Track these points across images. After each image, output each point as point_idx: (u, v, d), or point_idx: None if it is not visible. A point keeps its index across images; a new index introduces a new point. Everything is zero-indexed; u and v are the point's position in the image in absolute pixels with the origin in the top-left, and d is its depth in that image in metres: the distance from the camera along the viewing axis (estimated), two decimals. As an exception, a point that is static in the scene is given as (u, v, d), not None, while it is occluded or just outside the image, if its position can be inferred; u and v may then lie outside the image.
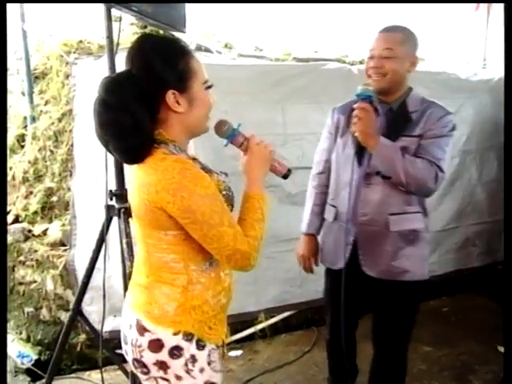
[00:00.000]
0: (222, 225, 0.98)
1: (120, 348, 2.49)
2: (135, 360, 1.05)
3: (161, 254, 1.04)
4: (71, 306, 2.02)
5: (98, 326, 2.03)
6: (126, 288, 1.76)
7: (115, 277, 2.39)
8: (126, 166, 1.89)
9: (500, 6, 4.02)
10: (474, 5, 4.01)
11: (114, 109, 0.96)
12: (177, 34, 2.71)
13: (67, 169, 2.64)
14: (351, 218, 1.63)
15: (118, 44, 1.73)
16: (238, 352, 2.48)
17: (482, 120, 3.34)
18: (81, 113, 2.58)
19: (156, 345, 1.01)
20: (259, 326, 2.65)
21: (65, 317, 2.39)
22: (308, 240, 1.83)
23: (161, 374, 1.02)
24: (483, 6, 4.00)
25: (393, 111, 1.61)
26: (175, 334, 1.01)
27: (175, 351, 1.01)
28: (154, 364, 1.02)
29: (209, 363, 1.05)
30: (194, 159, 1.05)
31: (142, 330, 1.02)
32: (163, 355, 1.01)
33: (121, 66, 1.54)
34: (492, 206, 3.39)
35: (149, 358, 1.02)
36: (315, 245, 1.83)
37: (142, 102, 0.97)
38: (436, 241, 3.19)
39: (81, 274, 2.47)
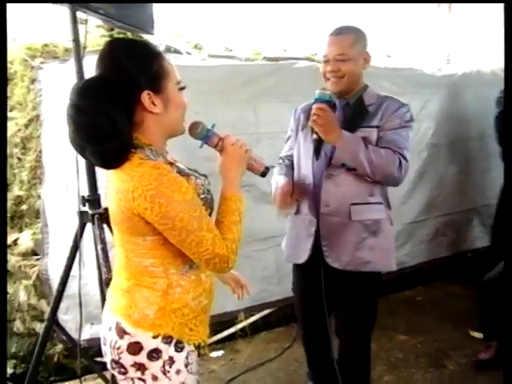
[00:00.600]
0: (200, 230, 0.98)
1: (99, 356, 2.45)
2: (113, 361, 1.05)
3: (140, 258, 1.04)
4: (46, 316, 1.97)
5: (74, 335, 2.00)
6: (103, 294, 1.75)
7: (91, 284, 2.35)
8: (98, 171, 1.87)
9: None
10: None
11: (88, 112, 0.95)
12: (145, 36, 2.69)
13: (36, 176, 2.57)
14: (313, 210, 1.66)
15: (84, 47, 1.70)
16: (220, 352, 2.49)
17: (448, 114, 3.46)
18: (48, 118, 2.52)
19: (135, 347, 1.01)
20: (239, 326, 2.66)
21: (40, 328, 2.33)
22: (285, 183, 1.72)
23: (138, 374, 1.03)
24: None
25: (350, 105, 1.68)
26: (155, 337, 1.02)
27: (154, 354, 1.01)
28: (132, 365, 1.02)
29: (186, 365, 1.06)
30: (171, 164, 1.05)
31: (122, 332, 1.03)
32: (142, 357, 1.01)
33: (88, 69, 1.52)
34: (459, 197, 3.52)
35: (127, 359, 1.02)
36: (290, 185, 1.72)
37: (117, 104, 0.97)
38: (408, 233, 3.29)
39: (55, 283, 2.41)
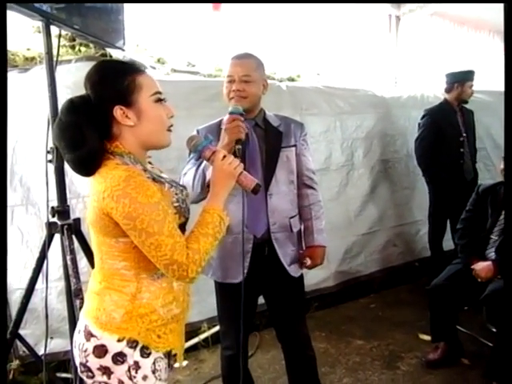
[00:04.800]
0: (160, 234, 1.00)
1: (60, 371, 2.39)
2: (81, 364, 1.07)
3: (113, 260, 1.07)
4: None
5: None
6: (71, 305, 1.74)
7: (52, 296, 2.31)
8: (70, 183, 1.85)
9: (406, 31, 4.58)
10: (387, 28, 4.51)
11: (68, 127, 1.05)
12: (111, 50, 2.72)
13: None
14: (254, 227, 1.68)
15: (57, 60, 1.72)
16: (184, 362, 2.50)
17: (397, 132, 3.74)
18: (10, 128, 2.46)
19: (100, 350, 1.03)
20: (202, 336, 2.69)
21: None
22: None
23: (104, 378, 1.04)
24: (394, 28, 4.52)
25: (259, 126, 1.75)
26: (119, 340, 1.04)
27: (118, 357, 1.03)
28: (98, 369, 1.04)
29: (153, 371, 1.07)
30: (145, 170, 1.09)
31: (89, 335, 1.05)
32: (107, 361, 1.03)
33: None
34: (408, 210, 3.78)
35: (93, 362, 1.04)
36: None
37: (92, 119, 1.05)
38: (362, 243, 3.48)
39: (12, 296, 2.35)
